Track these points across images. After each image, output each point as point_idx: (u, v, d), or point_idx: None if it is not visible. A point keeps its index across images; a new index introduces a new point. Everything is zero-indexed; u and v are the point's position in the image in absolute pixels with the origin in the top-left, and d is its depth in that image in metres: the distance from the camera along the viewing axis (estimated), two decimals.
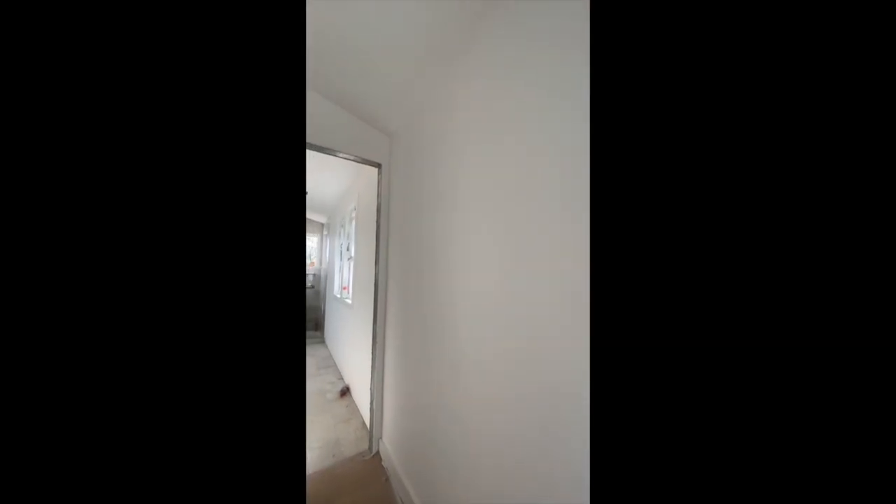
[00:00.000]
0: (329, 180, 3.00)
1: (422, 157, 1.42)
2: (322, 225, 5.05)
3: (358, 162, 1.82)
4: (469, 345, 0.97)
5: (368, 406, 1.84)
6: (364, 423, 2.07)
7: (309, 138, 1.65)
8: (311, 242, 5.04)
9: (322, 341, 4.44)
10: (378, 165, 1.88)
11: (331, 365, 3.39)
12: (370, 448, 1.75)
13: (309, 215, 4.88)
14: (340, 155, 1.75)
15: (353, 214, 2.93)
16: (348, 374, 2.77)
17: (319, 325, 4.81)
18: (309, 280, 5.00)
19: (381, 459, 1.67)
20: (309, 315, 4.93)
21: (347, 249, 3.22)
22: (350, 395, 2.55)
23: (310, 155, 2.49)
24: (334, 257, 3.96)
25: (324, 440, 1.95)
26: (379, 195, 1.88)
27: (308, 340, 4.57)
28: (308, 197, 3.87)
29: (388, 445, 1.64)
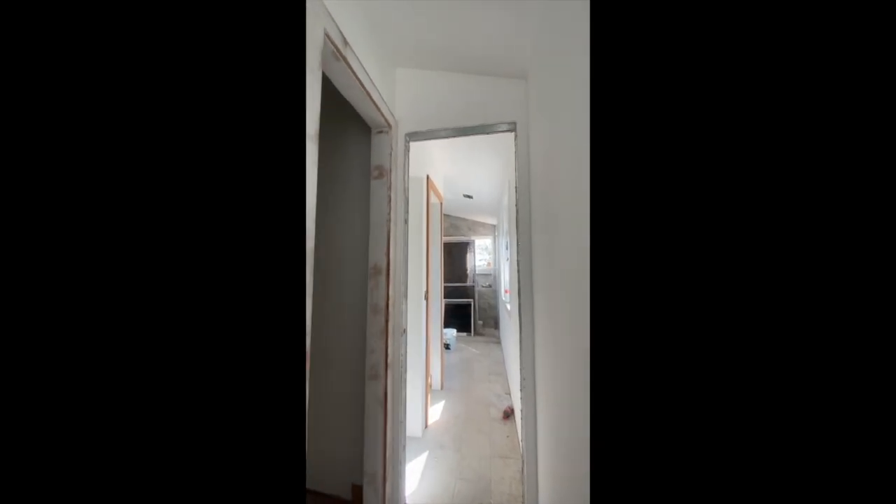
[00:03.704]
0: (485, 180, 2.73)
1: (561, 93, 0.74)
2: (493, 227, 5.04)
3: (492, 132, 1.33)
4: None
5: (523, 450, 1.27)
6: (522, 472, 1.50)
7: (442, 124, 1.34)
8: (487, 244, 5.19)
9: (499, 342, 4.22)
10: (513, 126, 1.30)
11: (502, 372, 3.03)
12: None
13: (482, 219, 5.07)
14: (469, 132, 1.34)
15: (507, 209, 2.46)
16: (513, 393, 2.29)
17: (498, 324, 4.67)
18: (489, 280, 5.24)
19: None
20: (489, 313, 5.08)
21: (507, 248, 2.79)
22: (514, 420, 2.05)
23: (460, 156, 2.28)
24: (500, 258, 3.68)
25: (476, 474, 1.56)
26: (516, 168, 1.30)
27: (486, 338, 4.53)
28: (475, 202, 3.85)
29: None
